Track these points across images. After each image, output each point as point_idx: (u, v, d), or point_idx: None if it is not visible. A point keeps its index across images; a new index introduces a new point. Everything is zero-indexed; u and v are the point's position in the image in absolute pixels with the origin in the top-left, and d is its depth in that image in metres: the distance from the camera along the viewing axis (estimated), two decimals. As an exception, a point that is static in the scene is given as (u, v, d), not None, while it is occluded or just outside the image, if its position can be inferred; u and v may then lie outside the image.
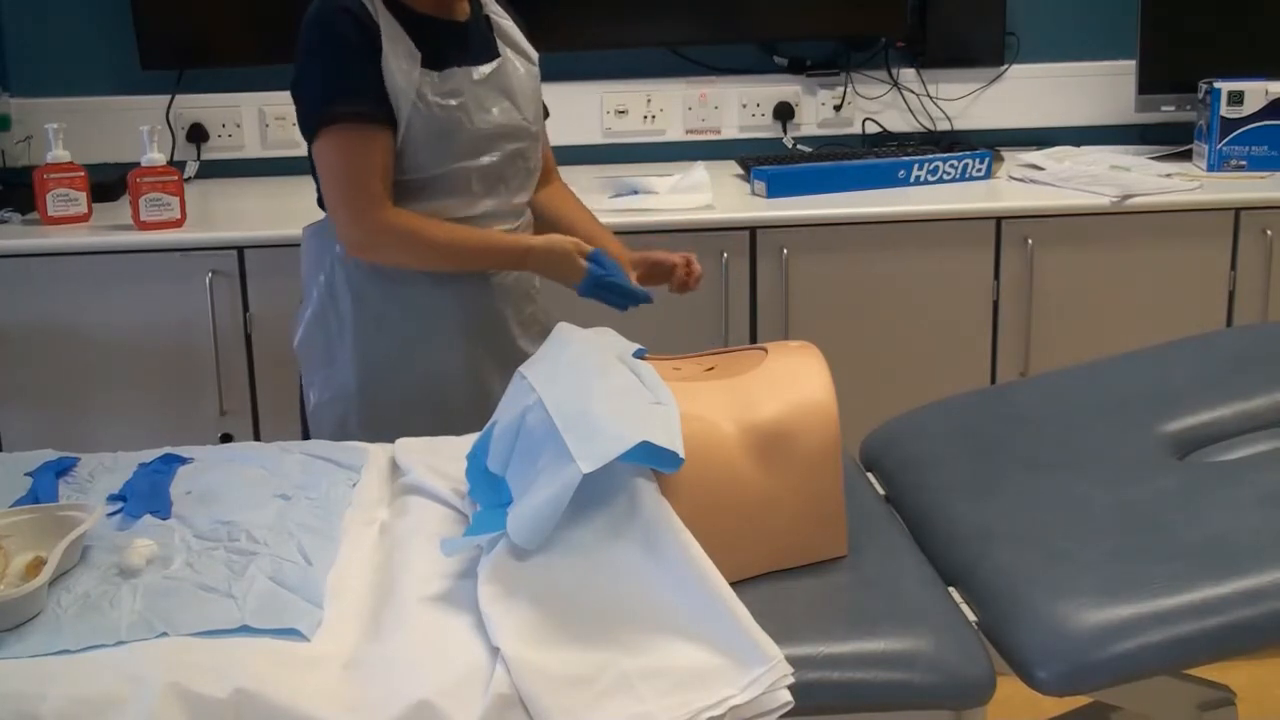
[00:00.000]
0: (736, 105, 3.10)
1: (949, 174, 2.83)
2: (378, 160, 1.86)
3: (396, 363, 1.97)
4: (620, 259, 2.03)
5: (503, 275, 2.01)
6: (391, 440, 1.74)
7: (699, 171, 2.76)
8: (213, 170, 3.01)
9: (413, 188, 1.91)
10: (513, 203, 2.02)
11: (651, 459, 1.34)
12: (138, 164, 2.56)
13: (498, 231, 1.97)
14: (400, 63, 1.85)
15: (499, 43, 2.01)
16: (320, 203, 1.98)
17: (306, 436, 2.08)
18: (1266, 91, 2.80)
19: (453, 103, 1.90)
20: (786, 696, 1.22)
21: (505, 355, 2.01)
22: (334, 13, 1.85)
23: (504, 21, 2.05)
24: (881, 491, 1.71)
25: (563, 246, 1.95)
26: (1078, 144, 3.11)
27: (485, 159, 1.95)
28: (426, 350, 1.98)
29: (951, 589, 1.45)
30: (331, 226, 1.95)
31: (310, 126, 1.88)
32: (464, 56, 1.94)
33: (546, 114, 2.14)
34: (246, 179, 2.97)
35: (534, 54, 2.07)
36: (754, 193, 2.75)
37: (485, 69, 1.95)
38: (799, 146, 3.12)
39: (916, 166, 2.81)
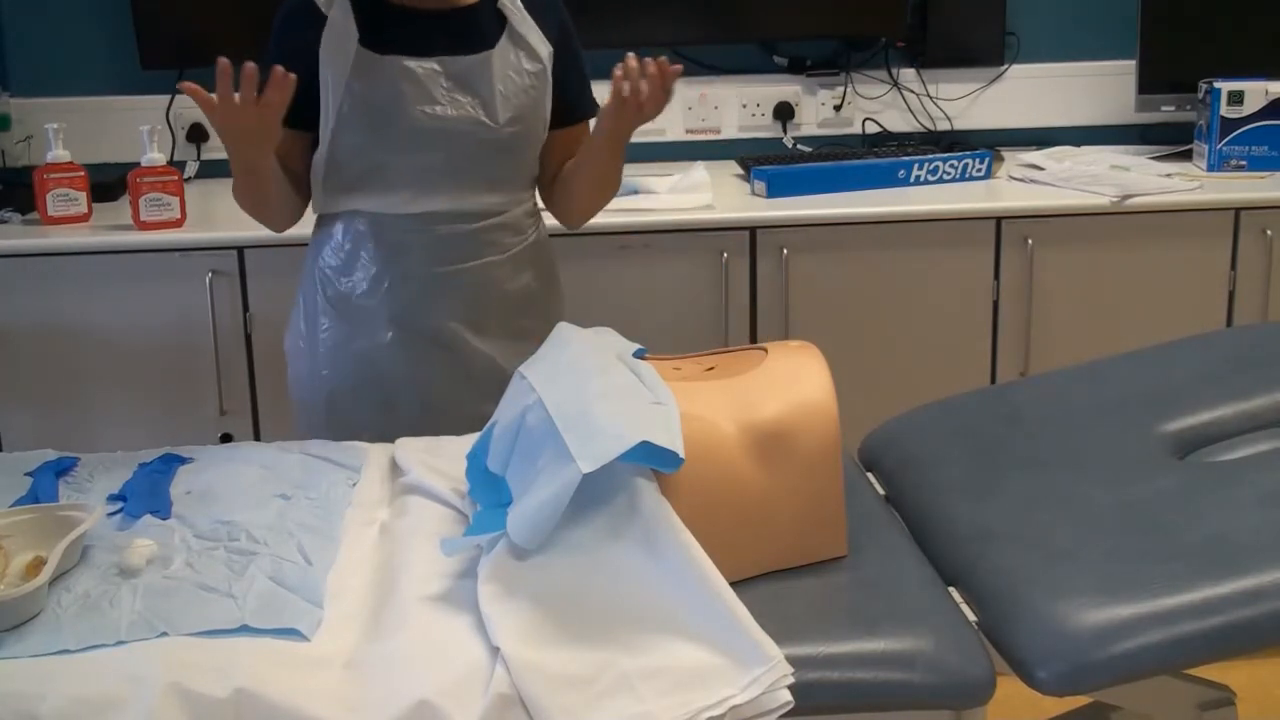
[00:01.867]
0: (736, 105, 3.10)
1: (949, 174, 2.83)
2: None
3: (351, 353, 1.97)
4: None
5: (445, 268, 1.93)
6: (348, 430, 1.78)
7: (699, 171, 2.76)
8: (213, 170, 3.00)
9: (348, 179, 1.90)
10: (480, 201, 1.93)
11: (651, 459, 1.34)
12: (138, 164, 2.56)
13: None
14: (335, 47, 1.85)
15: (504, 37, 1.91)
16: None
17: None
18: (1266, 91, 2.80)
19: (382, 91, 1.85)
20: (786, 696, 1.22)
21: (455, 354, 1.96)
22: (283, 14, 1.90)
23: (518, 15, 1.93)
24: (881, 491, 1.71)
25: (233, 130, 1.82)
26: (1078, 144, 3.11)
27: (425, 154, 1.88)
28: (364, 338, 1.96)
29: (951, 589, 1.45)
30: (324, 220, 1.99)
31: None
32: (429, 45, 1.86)
33: (585, 114, 2.04)
34: (246, 179, 2.97)
35: (543, 51, 1.94)
36: (754, 193, 2.75)
37: (446, 61, 1.86)
38: (799, 146, 3.12)
39: (916, 166, 2.81)
